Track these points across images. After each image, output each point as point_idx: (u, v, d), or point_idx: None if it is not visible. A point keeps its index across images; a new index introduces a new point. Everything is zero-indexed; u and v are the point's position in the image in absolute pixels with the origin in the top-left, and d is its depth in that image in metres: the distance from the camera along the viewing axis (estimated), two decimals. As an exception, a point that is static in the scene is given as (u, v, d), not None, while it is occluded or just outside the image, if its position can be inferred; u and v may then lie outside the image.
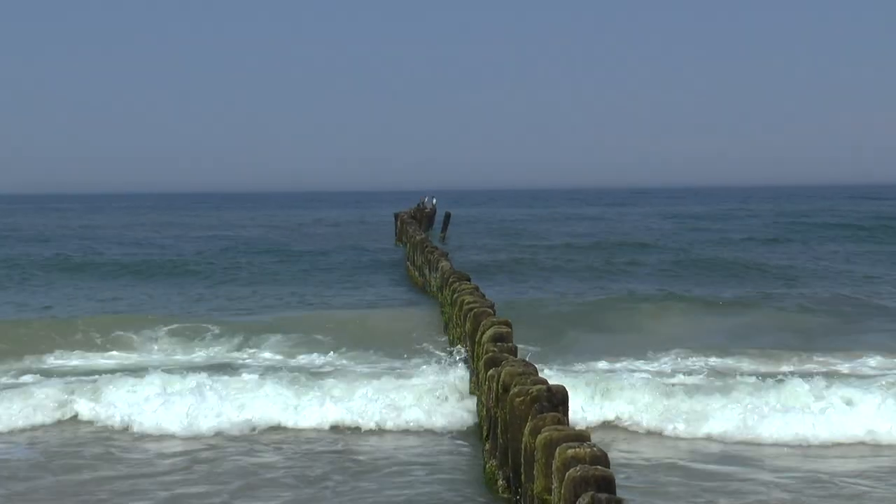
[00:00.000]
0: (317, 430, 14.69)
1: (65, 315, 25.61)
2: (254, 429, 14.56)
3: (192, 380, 16.26)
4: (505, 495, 10.79)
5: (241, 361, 19.89)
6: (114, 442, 14.02)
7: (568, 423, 8.99)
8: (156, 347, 21.09)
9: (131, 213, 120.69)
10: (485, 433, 12.69)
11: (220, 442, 14.05)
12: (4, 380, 17.68)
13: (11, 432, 14.48)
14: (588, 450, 7.75)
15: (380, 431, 14.67)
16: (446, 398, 15.51)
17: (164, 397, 15.48)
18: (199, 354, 20.72)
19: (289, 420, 15.03)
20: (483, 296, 18.31)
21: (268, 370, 17.85)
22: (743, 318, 24.36)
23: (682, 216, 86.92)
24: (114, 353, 20.65)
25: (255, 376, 16.94)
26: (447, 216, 55.04)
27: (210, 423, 14.74)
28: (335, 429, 14.78)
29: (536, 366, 12.09)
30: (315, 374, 17.38)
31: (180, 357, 20.37)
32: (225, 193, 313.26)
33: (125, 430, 14.53)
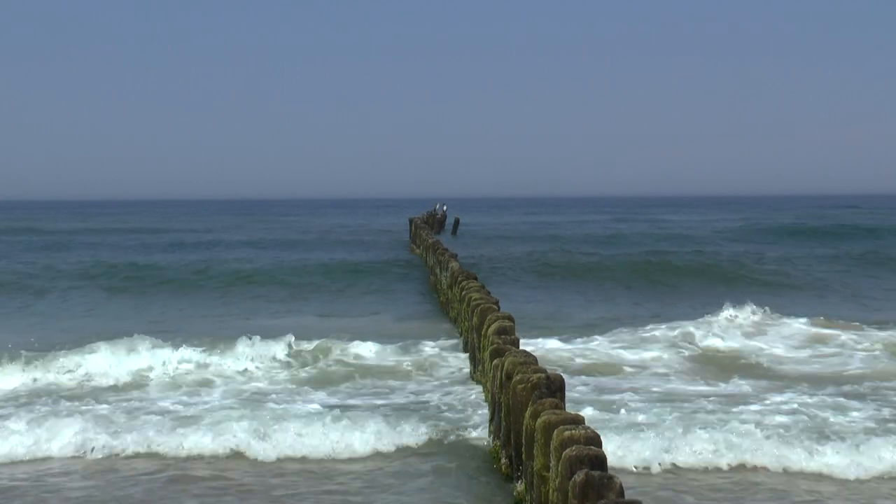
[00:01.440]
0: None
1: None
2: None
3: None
4: (507, 472, 10.97)
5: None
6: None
7: (564, 408, 9.17)
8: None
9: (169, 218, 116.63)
10: (490, 416, 12.88)
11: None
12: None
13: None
14: (583, 432, 7.95)
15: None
16: None
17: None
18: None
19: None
20: (488, 293, 18.60)
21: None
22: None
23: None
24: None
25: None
26: (456, 221, 57.16)
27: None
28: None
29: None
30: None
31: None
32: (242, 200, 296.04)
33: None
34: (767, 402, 14.62)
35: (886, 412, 13.82)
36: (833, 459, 11.49)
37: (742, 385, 16.00)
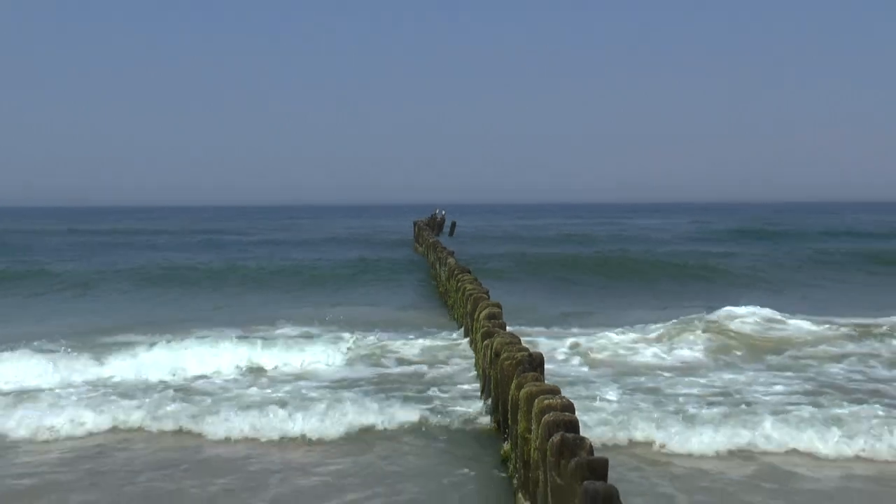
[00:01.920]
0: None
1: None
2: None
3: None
4: (496, 432, 10.99)
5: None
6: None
7: (544, 381, 9.12)
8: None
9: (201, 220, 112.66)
10: (481, 387, 12.84)
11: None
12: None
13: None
14: (559, 400, 7.88)
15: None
16: None
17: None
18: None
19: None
20: (480, 285, 18.44)
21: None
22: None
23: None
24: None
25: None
26: (453, 224, 57.64)
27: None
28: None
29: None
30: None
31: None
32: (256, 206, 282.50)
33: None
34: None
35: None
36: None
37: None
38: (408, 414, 12.01)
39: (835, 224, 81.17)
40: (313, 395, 13.10)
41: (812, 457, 10.33)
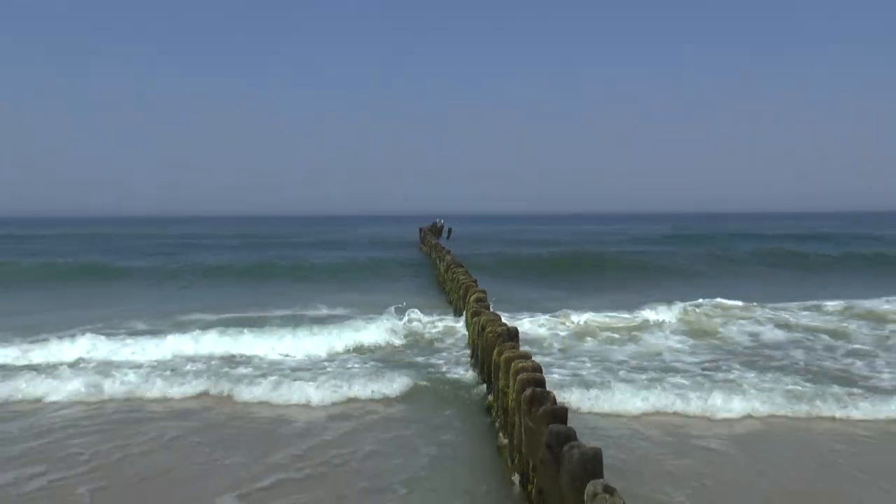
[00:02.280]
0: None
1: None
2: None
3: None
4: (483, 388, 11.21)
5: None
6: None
7: (518, 348, 9.42)
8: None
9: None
10: (471, 354, 13.10)
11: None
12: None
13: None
14: (530, 363, 8.20)
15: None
16: None
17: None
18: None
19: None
20: (470, 276, 18.78)
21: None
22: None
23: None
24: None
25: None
26: (449, 229, 59.93)
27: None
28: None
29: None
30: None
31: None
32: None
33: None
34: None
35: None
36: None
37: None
38: (412, 375, 12.14)
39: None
40: (356, 366, 13.18)
41: (707, 419, 10.20)
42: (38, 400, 11.43)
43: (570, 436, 6.02)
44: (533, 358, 8.69)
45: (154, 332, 15.90)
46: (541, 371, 8.02)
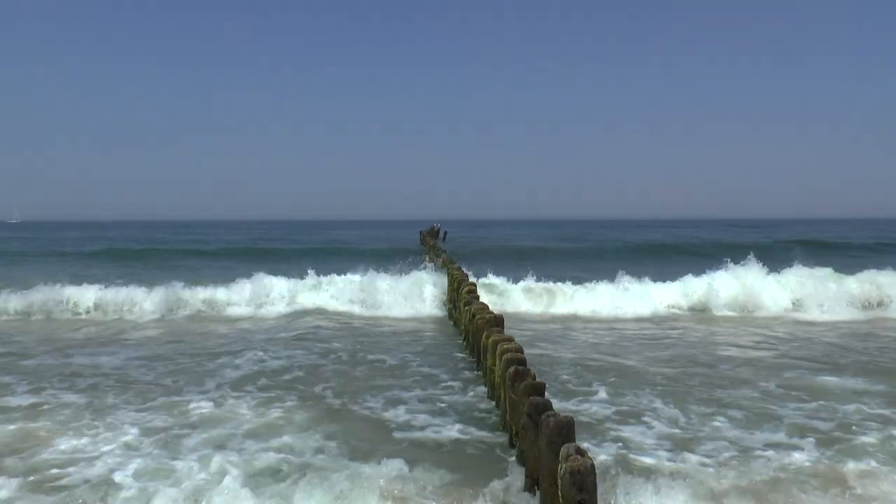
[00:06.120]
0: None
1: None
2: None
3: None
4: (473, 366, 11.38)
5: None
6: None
7: (504, 333, 9.62)
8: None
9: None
10: (464, 337, 13.32)
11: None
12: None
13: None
14: (514, 345, 8.38)
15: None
16: None
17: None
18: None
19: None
20: (462, 271, 19.20)
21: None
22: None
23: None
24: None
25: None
26: (445, 232, 60.72)
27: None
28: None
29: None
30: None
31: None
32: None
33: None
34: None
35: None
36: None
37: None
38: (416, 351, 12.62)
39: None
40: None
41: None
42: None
43: (548, 406, 6.27)
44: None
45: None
46: (522, 352, 8.27)
